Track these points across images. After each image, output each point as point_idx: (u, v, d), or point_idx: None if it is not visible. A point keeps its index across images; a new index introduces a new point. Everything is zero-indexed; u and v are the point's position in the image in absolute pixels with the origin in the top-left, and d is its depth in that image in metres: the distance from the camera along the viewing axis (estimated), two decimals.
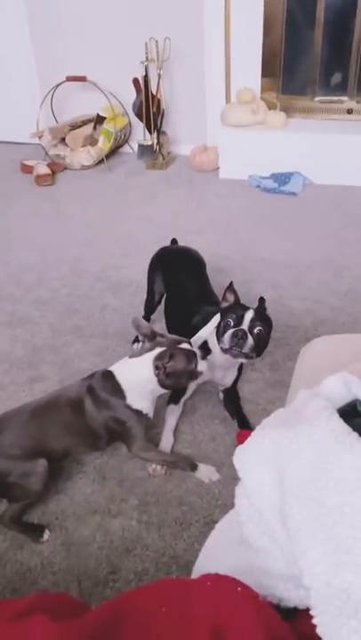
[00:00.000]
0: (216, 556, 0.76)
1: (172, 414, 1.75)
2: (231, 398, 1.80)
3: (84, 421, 1.49)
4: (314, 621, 0.52)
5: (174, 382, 1.51)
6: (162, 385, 1.50)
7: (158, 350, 1.48)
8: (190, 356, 1.49)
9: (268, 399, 1.83)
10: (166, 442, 1.68)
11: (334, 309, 2.28)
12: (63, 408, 1.50)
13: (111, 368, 1.54)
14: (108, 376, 1.52)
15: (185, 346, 1.51)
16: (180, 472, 1.59)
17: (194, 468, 1.57)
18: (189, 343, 1.55)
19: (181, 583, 0.68)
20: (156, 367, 1.46)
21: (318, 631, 0.52)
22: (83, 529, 1.45)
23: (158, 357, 1.46)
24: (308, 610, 0.57)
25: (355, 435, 0.62)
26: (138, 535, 1.43)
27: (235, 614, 0.54)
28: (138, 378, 1.50)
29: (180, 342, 1.52)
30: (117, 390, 1.49)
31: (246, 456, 0.71)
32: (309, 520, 0.57)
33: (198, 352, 1.55)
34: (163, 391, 1.55)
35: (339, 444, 0.60)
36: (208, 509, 1.49)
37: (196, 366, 1.51)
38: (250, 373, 1.94)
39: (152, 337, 1.52)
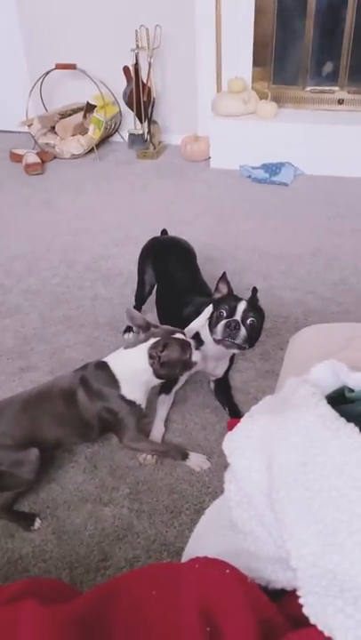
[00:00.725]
0: (205, 541, 0.77)
1: (163, 404, 1.75)
2: (222, 388, 1.81)
3: (76, 412, 1.49)
4: (300, 601, 0.53)
5: (169, 372, 1.51)
6: (157, 375, 1.50)
7: (153, 340, 1.48)
8: (185, 345, 1.50)
9: (258, 388, 1.84)
10: (157, 432, 1.69)
11: (324, 299, 2.30)
12: (56, 399, 1.50)
13: (105, 359, 1.54)
14: (102, 366, 1.52)
15: (179, 336, 1.52)
16: (170, 461, 1.60)
17: (185, 456, 1.58)
18: (183, 334, 1.55)
19: (171, 567, 0.69)
20: (151, 356, 1.46)
21: (305, 611, 0.53)
22: (74, 517, 1.46)
23: (153, 347, 1.47)
24: (295, 591, 0.58)
25: (342, 420, 0.63)
26: (129, 523, 1.44)
27: (223, 595, 0.55)
28: (133, 368, 1.50)
29: (173, 332, 1.52)
30: (112, 381, 1.49)
31: (235, 442, 0.72)
32: (297, 503, 0.58)
33: (192, 342, 1.56)
34: (157, 382, 1.56)
35: (326, 428, 0.61)
36: (198, 497, 1.50)
37: (190, 356, 1.51)
38: (241, 363, 1.95)
39: (146, 328, 1.52)
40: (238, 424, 0.75)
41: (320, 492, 0.57)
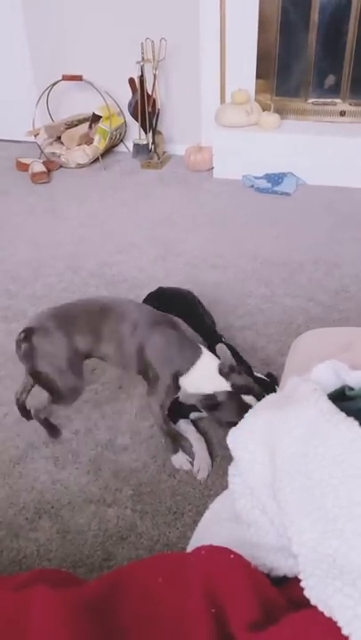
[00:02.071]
0: (209, 532, 0.79)
1: (187, 424, 1.75)
2: None
3: (134, 343, 1.52)
4: (302, 584, 0.56)
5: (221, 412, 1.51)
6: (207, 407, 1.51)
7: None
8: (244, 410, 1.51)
9: None
10: (197, 442, 1.68)
11: (326, 307, 2.33)
12: (126, 322, 1.53)
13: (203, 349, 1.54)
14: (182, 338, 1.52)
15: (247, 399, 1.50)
16: (173, 465, 1.62)
17: (175, 450, 1.61)
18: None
19: (177, 556, 0.71)
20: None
21: (306, 593, 0.55)
22: (78, 517, 1.48)
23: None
24: (296, 578, 0.60)
25: (342, 414, 0.66)
26: (132, 524, 1.46)
27: (227, 579, 0.57)
28: (205, 376, 1.50)
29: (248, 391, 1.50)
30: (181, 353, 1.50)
31: (239, 436, 0.75)
32: (298, 492, 0.61)
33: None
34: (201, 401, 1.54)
35: (326, 421, 0.64)
36: (201, 499, 1.52)
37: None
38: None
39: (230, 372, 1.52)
40: (242, 419, 0.77)
41: (321, 481, 0.60)
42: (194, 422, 1.76)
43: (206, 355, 1.53)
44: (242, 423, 0.77)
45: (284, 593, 0.60)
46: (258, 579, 0.58)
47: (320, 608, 0.53)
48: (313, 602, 0.54)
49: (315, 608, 0.54)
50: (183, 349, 1.52)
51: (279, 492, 0.63)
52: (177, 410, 1.70)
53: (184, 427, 1.74)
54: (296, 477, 0.62)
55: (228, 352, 1.63)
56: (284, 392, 0.84)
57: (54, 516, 1.49)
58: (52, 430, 1.73)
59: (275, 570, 0.64)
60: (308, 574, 0.56)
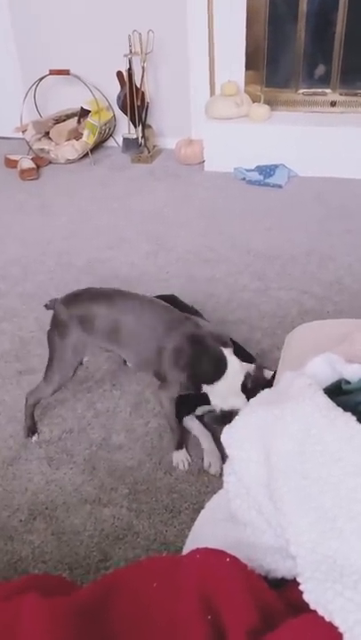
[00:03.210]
0: (205, 533, 0.77)
1: (193, 421, 1.73)
2: None
3: (154, 344, 1.49)
4: (301, 588, 0.54)
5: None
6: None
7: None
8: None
9: None
10: (204, 437, 1.66)
11: (319, 299, 2.31)
12: (155, 327, 1.49)
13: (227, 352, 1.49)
14: (206, 346, 1.47)
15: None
16: (169, 461, 1.60)
17: (178, 447, 1.60)
18: None
19: (172, 560, 0.69)
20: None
21: (305, 597, 0.53)
22: (73, 518, 1.46)
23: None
24: (295, 580, 0.58)
25: (339, 409, 0.64)
26: (128, 523, 1.44)
27: (223, 583, 0.55)
28: (231, 391, 1.48)
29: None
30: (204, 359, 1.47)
31: (234, 434, 0.73)
32: (295, 492, 0.59)
33: None
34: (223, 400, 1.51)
35: (323, 417, 0.62)
36: (198, 496, 1.50)
37: None
38: None
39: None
40: (236, 416, 0.75)
41: (319, 480, 0.58)
42: (199, 418, 1.73)
43: (232, 367, 1.47)
44: (236, 421, 0.74)
45: (283, 596, 0.58)
46: (255, 582, 0.56)
47: (320, 612, 0.51)
48: (312, 606, 0.52)
49: (314, 612, 0.52)
50: (209, 360, 1.46)
51: (275, 491, 0.60)
52: (183, 405, 1.68)
53: (190, 424, 1.71)
54: (292, 476, 0.60)
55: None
56: (278, 387, 0.82)
57: (49, 518, 1.47)
58: (30, 425, 1.71)
59: (272, 572, 0.62)
60: (306, 577, 0.54)
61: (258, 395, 0.81)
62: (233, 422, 0.76)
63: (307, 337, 1.19)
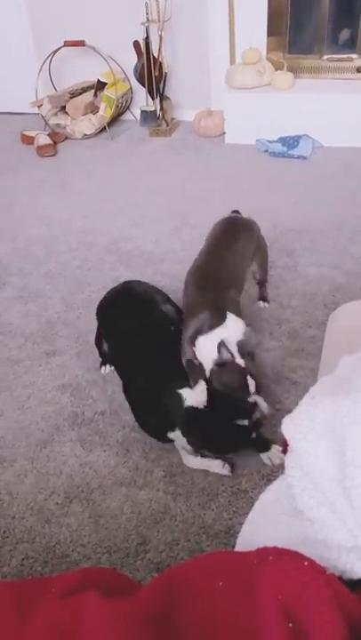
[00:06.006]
0: (265, 528, 0.74)
1: None
2: None
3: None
4: None
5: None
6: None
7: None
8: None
9: (289, 367, 1.81)
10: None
11: (351, 274, 2.24)
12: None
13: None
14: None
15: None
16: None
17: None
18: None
19: (237, 556, 0.66)
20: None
21: None
22: (110, 501, 1.45)
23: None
24: None
25: None
26: (165, 506, 1.43)
27: (304, 590, 0.52)
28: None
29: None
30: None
31: (297, 426, 0.68)
32: None
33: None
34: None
35: None
36: (235, 479, 1.48)
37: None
38: (269, 342, 1.92)
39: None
40: (298, 406, 0.71)
41: None
42: None
43: (228, 324, 1.51)
44: (298, 411, 0.70)
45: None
46: (337, 588, 0.52)
47: None
48: None
49: None
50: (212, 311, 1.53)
51: (352, 489, 0.56)
52: None
53: None
54: None
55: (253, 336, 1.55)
56: (338, 374, 0.77)
57: (85, 501, 1.46)
58: None
59: (347, 573, 0.59)
60: None
61: (318, 382, 0.76)
62: (294, 412, 0.71)
63: (352, 317, 1.14)
